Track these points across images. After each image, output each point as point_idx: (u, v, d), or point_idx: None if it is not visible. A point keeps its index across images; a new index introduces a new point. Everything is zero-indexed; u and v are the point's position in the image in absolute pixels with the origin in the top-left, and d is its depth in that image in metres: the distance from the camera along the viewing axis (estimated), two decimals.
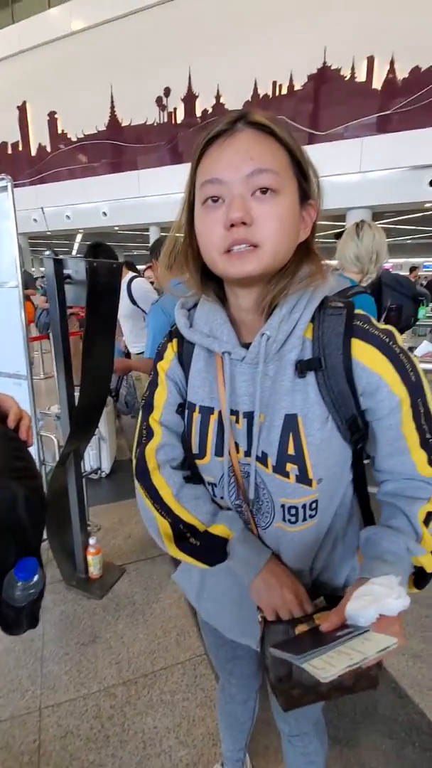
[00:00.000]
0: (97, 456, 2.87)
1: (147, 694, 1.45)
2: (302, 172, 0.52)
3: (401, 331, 2.42)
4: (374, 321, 0.57)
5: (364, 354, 0.54)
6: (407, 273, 8.40)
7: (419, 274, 10.33)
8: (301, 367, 0.55)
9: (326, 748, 0.94)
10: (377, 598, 0.47)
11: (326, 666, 0.44)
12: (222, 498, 0.65)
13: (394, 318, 2.28)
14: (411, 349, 2.20)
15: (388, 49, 6.28)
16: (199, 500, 0.65)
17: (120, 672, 1.53)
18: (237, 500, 0.63)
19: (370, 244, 1.69)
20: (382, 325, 0.56)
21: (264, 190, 0.49)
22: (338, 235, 1.87)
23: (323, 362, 0.55)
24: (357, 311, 0.56)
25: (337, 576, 0.68)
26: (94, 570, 1.96)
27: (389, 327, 0.56)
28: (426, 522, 0.58)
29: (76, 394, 1.69)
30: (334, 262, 1.84)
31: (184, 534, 0.64)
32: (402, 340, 0.57)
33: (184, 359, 0.66)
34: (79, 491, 1.88)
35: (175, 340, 0.67)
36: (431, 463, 0.58)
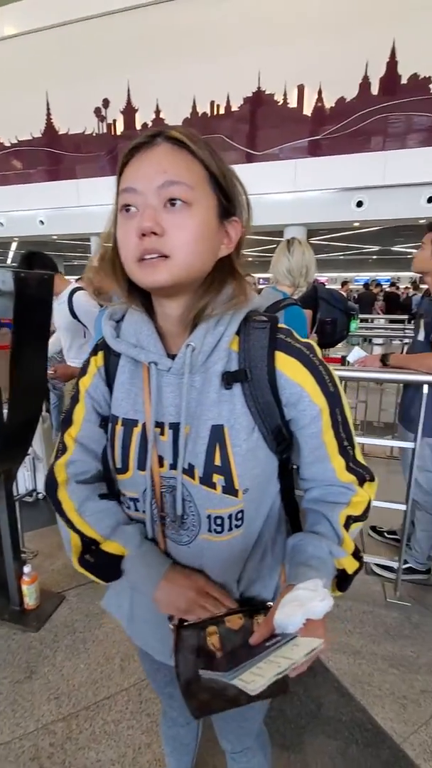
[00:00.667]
0: (32, 477, 2.70)
1: (89, 727, 1.36)
2: (221, 188, 0.53)
3: (335, 343, 2.57)
4: (295, 334, 0.59)
5: (286, 366, 0.56)
6: (339, 287, 8.97)
7: (350, 287, 11.06)
8: (228, 379, 0.56)
9: (270, 759, 0.94)
10: (303, 602, 0.48)
11: (255, 678, 0.44)
12: (144, 512, 0.64)
13: (329, 330, 2.41)
14: (344, 357, 2.33)
15: (315, 79, 6.75)
16: (101, 514, 0.65)
17: (59, 707, 1.43)
18: (161, 513, 0.62)
19: (300, 259, 1.78)
20: (302, 339, 0.59)
21: (174, 202, 0.50)
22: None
23: (249, 374, 0.56)
24: (280, 325, 0.59)
25: (267, 589, 0.68)
26: (30, 600, 1.82)
27: (309, 340, 0.60)
28: (346, 525, 0.60)
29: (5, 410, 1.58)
30: (269, 275, 1.91)
31: (87, 548, 0.64)
32: (320, 352, 0.61)
33: (110, 372, 0.65)
34: (10, 516, 1.75)
35: (100, 354, 0.66)
36: (349, 469, 0.61)
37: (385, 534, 2.33)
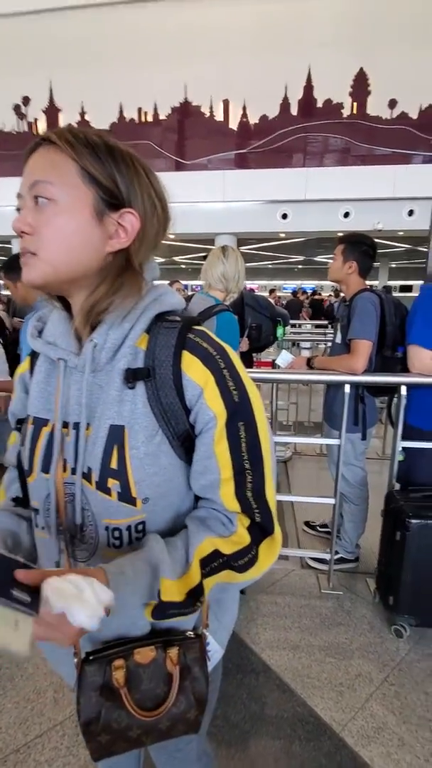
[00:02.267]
0: None
1: None
2: (98, 181, 0.51)
3: (262, 348, 2.66)
4: (212, 337, 0.57)
5: (190, 366, 0.54)
6: (267, 294, 9.35)
7: (278, 295, 11.56)
8: (128, 376, 0.54)
9: None
10: (79, 598, 0.42)
11: None
12: (43, 528, 0.59)
13: (255, 335, 2.49)
14: (273, 360, 2.41)
15: (239, 95, 7.02)
16: None
17: None
18: (60, 527, 0.58)
19: (234, 265, 1.83)
20: (218, 342, 0.57)
21: (40, 199, 0.51)
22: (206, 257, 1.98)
23: (152, 372, 0.54)
24: (196, 327, 0.57)
25: (187, 618, 0.57)
26: None
27: (226, 345, 0.57)
28: (205, 562, 0.53)
29: None
30: (202, 282, 1.93)
31: None
32: (236, 358, 0.58)
33: (33, 374, 0.63)
34: None
35: (26, 360, 0.66)
36: (239, 495, 0.55)
37: (318, 528, 2.45)
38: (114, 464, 0.53)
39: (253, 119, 7.11)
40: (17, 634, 0.39)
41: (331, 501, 1.97)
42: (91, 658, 0.54)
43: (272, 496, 0.57)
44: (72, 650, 0.59)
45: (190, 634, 0.59)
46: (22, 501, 0.67)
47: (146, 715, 0.52)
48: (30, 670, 1.58)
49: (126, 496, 0.53)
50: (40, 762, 1.27)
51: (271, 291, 11.19)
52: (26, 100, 7.60)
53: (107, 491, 0.54)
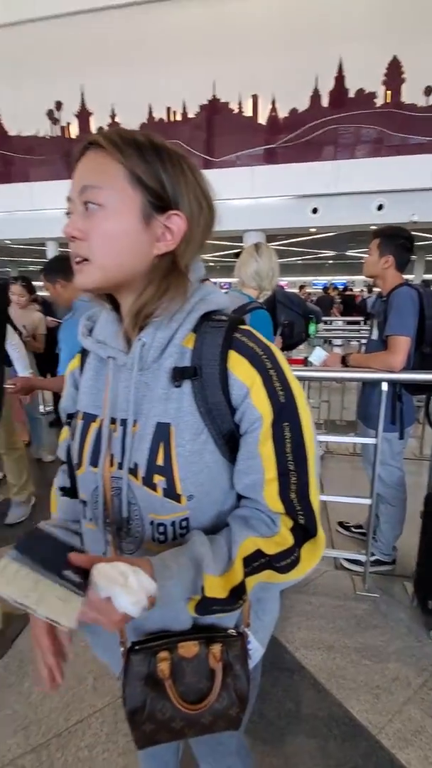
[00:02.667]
0: None
1: (61, 757, 1.29)
2: (145, 184, 0.52)
3: (294, 345, 2.63)
4: (259, 336, 0.57)
5: (236, 365, 0.54)
6: (297, 291, 9.20)
7: (308, 291, 11.30)
8: (175, 374, 0.54)
9: None
10: (124, 585, 0.43)
11: (5, 578, 0.42)
12: (91, 520, 0.61)
13: (287, 332, 2.47)
14: (306, 358, 2.38)
15: (268, 90, 6.94)
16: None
17: (27, 738, 1.35)
18: (106, 519, 0.59)
19: (268, 262, 1.82)
20: (264, 341, 0.57)
21: (90, 205, 0.52)
22: (237, 255, 1.97)
23: (199, 371, 0.55)
24: (243, 327, 0.57)
25: (228, 615, 0.58)
26: None
27: (272, 345, 0.57)
28: (248, 560, 0.53)
29: None
30: (234, 279, 1.93)
31: None
32: (282, 358, 0.57)
33: (83, 371, 0.66)
34: None
35: (76, 358, 0.69)
36: (283, 496, 0.55)
37: (352, 529, 2.40)
38: (160, 461, 0.54)
39: (283, 113, 7.01)
40: (65, 609, 0.42)
41: (367, 501, 1.93)
42: (136, 648, 0.56)
43: (316, 498, 0.57)
44: (118, 639, 0.61)
45: (232, 631, 0.59)
46: (69, 491, 0.70)
47: (190, 708, 0.53)
48: (70, 657, 1.63)
49: (171, 493, 0.54)
50: (80, 747, 1.32)
51: (301, 287, 11.00)
52: (59, 105, 7.81)
53: (153, 487, 0.55)
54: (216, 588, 0.52)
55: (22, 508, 2.69)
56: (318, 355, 2.10)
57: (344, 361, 1.98)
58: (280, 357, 0.57)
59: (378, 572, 2.05)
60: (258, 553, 0.54)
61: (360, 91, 6.68)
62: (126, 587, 0.43)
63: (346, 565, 2.11)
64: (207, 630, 0.59)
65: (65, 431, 0.71)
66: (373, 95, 6.64)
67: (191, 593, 0.52)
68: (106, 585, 0.43)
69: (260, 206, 7.20)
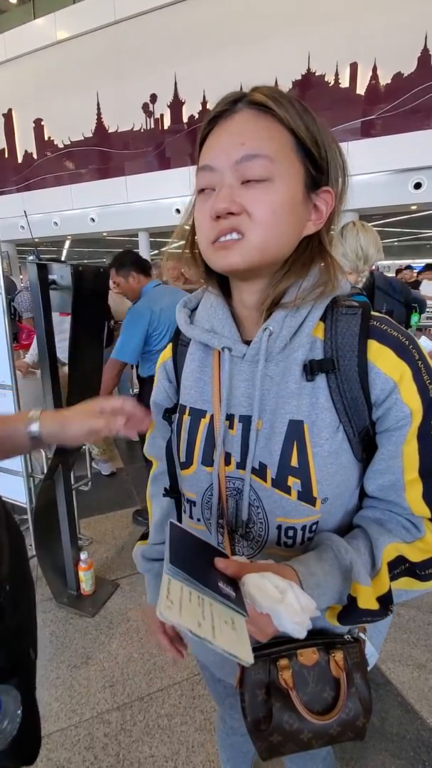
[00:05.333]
0: (87, 465, 2.78)
1: (143, 719, 1.37)
2: (311, 155, 0.47)
3: None
4: (397, 324, 0.51)
5: (379, 357, 0.48)
6: (393, 274, 8.39)
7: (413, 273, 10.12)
8: (311, 368, 0.49)
9: None
10: (282, 602, 0.40)
11: (176, 603, 0.37)
12: (199, 520, 0.59)
13: None
14: None
15: (370, 55, 6.37)
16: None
17: (114, 696, 1.45)
18: (219, 521, 0.56)
19: (353, 241, 1.66)
20: (406, 330, 0.51)
21: (253, 178, 0.45)
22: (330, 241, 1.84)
23: (336, 364, 0.49)
24: (374, 312, 0.51)
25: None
26: (86, 586, 1.88)
27: (409, 332, 0.51)
28: (392, 565, 0.49)
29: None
30: None
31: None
32: (424, 347, 0.51)
33: (178, 364, 0.62)
34: (68, 504, 1.80)
35: (168, 348, 0.65)
36: (428, 499, 0.50)
37: None
38: (294, 462, 0.50)
39: (385, 80, 6.39)
40: (237, 636, 0.39)
41: None
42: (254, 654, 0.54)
43: None
44: None
45: (348, 637, 0.56)
46: (171, 491, 0.68)
47: (318, 719, 0.51)
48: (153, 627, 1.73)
49: (306, 496, 0.50)
50: (160, 715, 1.39)
51: (398, 271, 9.99)
52: (153, 98, 8.05)
53: (286, 490, 0.51)
54: (368, 598, 0.48)
55: (108, 465, 3.15)
56: (425, 344, 1.88)
57: None
58: (422, 346, 0.51)
59: None
60: (400, 559, 0.50)
61: None
62: (285, 605, 0.40)
63: None
64: (320, 635, 0.56)
65: (152, 426, 0.69)
66: None
67: (336, 602, 0.49)
68: (267, 603, 0.40)
69: (354, 184, 6.65)
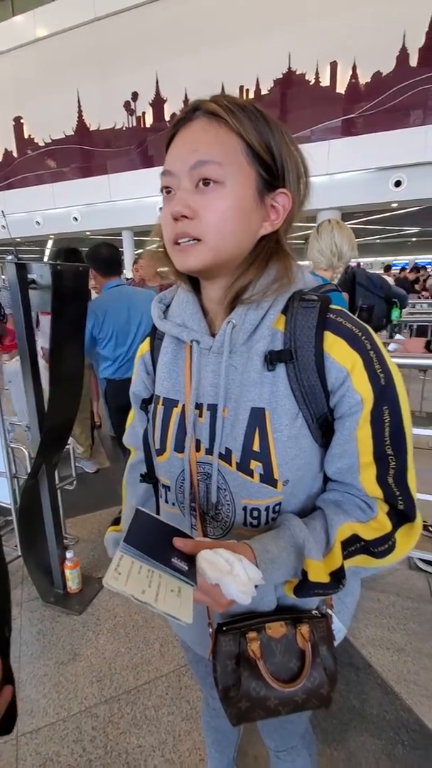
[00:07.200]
0: (72, 464, 2.78)
1: (130, 712, 1.39)
2: (261, 159, 0.49)
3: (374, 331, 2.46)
4: (352, 316, 0.54)
5: (334, 347, 0.51)
6: (379, 272, 8.55)
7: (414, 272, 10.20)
8: (271, 358, 0.53)
9: (315, 759, 0.91)
10: (230, 573, 0.44)
11: (123, 574, 0.42)
12: (173, 504, 0.62)
13: (365, 317, 2.31)
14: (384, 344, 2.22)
15: (349, 54, 6.44)
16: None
17: (102, 690, 1.47)
18: (192, 504, 0.60)
19: (328, 238, 1.71)
20: (360, 322, 0.54)
21: (206, 182, 0.47)
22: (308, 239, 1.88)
23: (294, 354, 0.52)
24: (333, 306, 0.54)
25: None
26: (73, 584, 1.88)
27: (365, 324, 0.54)
28: (346, 543, 0.53)
29: None
30: (306, 263, 1.84)
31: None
32: (379, 338, 0.54)
33: (155, 356, 0.66)
34: (53, 503, 1.81)
35: (146, 341, 0.69)
36: (381, 481, 0.53)
37: (430, 528, 2.22)
38: (256, 447, 0.53)
39: (364, 78, 6.47)
40: (180, 602, 0.43)
41: None
42: (224, 628, 0.57)
43: (414, 482, 0.55)
44: (198, 619, 0.63)
45: (316, 613, 0.60)
46: (147, 477, 0.71)
47: (283, 687, 0.54)
48: (140, 623, 1.75)
49: (268, 478, 0.54)
50: (147, 706, 1.41)
51: (386, 268, 10.17)
52: (135, 96, 8.00)
53: (249, 473, 0.54)
54: (319, 572, 0.52)
55: (92, 462, 3.19)
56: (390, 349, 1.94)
57: (429, 347, 1.81)
58: (377, 337, 0.54)
59: None
60: (354, 538, 0.53)
61: None
62: (232, 576, 0.43)
63: (422, 566, 1.97)
64: (290, 611, 0.60)
65: (132, 416, 0.73)
66: None
67: (291, 577, 0.53)
68: (214, 574, 0.44)
69: (335, 182, 6.79)
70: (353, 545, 0.53)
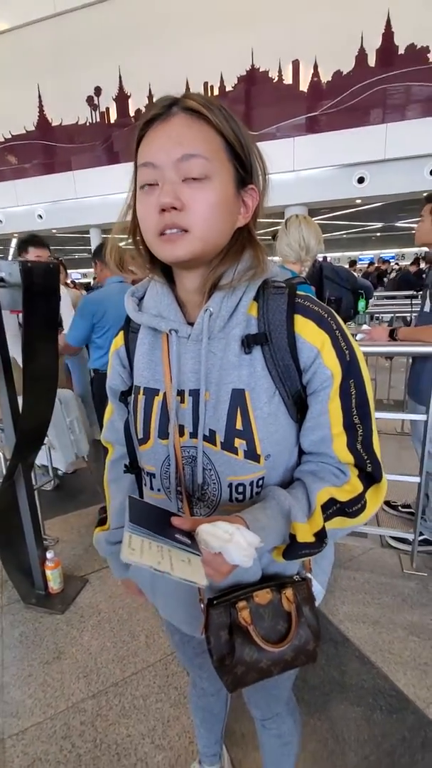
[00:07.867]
0: (48, 464, 2.74)
1: (118, 703, 1.41)
2: (238, 156, 0.53)
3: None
4: (317, 300, 0.59)
5: (304, 328, 0.56)
6: (348, 266, 8.77)
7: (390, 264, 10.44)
8: (248, 342, 0.56)
9: (300, 726, 0.96)
10: (231, 541, 0.48)
11: (137, 550, 0.45)
12: (159, 491, 0.65)
13: (334, 309, 2.38)
14: (353, 335, 2.31)
15: (310, 53, 6.56)
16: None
17: (89, 685, 1.48)
18: (178, 488, 0.62)
19: (295, 232, 1.77)
20: (324, 304, 0.59)
21: (193, 175, 0.50)
22: (275, 236, 1.93)
23: (269, 337, 0.57)
24: (298, 292, 0.59)
25: (291, 563, 0.65)
26: (54, 584, 1.87)
27: (330, 308, 0.59)
28: (325, 507, 0.57)
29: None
30: (277, 259, 1.90)
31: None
32: (341, 320, 0.59)
33: (130, 349, 0.68)
34: (31, 505, 1.79)
35: (120, 335, 0.70)
36: (351, 448, 0.58)
37: (399, 508, 2.34)
38: (239, 425, 0.57)
39: (326, 77, 6.61)
40: (192, 569, 0.46)
41: (416, 480, 1.87)
42: (215, 602, 0.60)
43: (378, 448, 0.61)
44: (186, 599, 0.67)
45: (297, 577, 0.64)
46: (131, 467, 0.73)
47: (274, 647, 0.58)
48: (124, 617, 1.76)
49: (251, 454, 0.57)
50: (135, 696, 1.43)
51: (352, 263, 10.45)
52: (98, 91, 7.85)
53: (234, 451, 0.57)
54: (305, 534, 0.56)
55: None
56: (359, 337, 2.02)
57: (392, 335, 1.90)
58: (339, 318, 0.59)
59: (427, 552, 2.00)
60: (331, 501, 0.58)
61: (411, 47, 6.15)
62: (233, 543, 0.47)
63: (393, 543, 2.08)
64: (272, 579, 0.64)
65: (110, 410, 0.75)
66: (426, 50, 6.09)
67: (281, 542, 0.57)
68: (216, 543, 0.47)
69: (301, 179, 6.92)
70: (331, 508, 0.58)
